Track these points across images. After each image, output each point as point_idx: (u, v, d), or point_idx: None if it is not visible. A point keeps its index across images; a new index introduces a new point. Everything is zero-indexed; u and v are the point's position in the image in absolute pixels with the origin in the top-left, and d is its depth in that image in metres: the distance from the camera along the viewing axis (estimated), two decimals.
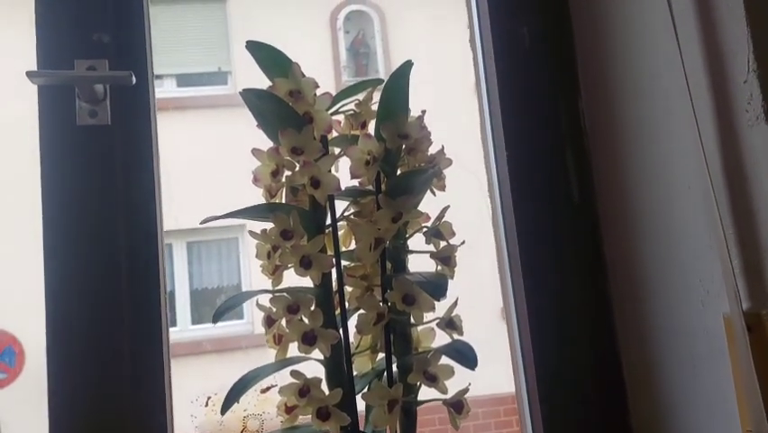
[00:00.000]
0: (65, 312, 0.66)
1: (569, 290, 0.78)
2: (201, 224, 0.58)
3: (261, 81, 0.65)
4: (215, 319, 0.55)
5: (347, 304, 0.64)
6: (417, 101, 0.66)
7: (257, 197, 0.63)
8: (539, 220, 0.78)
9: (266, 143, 0.64)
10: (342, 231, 0.67)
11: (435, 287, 0.55)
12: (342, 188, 0.62)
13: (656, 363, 0.75)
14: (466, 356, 0.55)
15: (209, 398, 0.72)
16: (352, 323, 0.62)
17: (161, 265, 0.70)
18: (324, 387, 0.59)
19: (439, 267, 0.61)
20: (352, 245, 0.67)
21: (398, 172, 0.63)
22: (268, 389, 0.67)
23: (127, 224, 0.68)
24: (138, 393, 0.67)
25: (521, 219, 0.77)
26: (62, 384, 0.66)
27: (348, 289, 0.65)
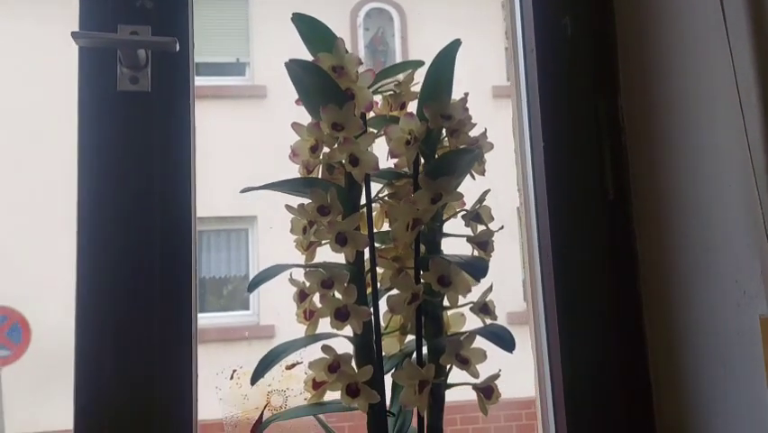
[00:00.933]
0: (95, 285, 0.66)
1: (600, 289, 0.77)
2: (241, 192, 0.58)
3: (279, 73, 0.64)
4: (251, 289, 0.55)
5: (379, 285, 0.63)
6: None
7: (290, 200, 0.63)
8: (573, 216, 0.77)
9: (280, 138, 0.64)
10: (375, 213, 0.66)
11: (475, 268, 0.54)
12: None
13: (685, 365, 0.74)
14: (503, 338, 0.54)
15: (234, 371, 0.72)
16: (382, 304, 0.62)
17: (194, 237, 0.70)
18: (354, 366, 0.58)
19: (475, 252, 0.61)
20: (385, 227, 0.66)
21: (437, 155, 0.62)
22: (293, 366, 0.67)
23: (162, 198, 0.68)
24: (165, 377, 0.67)
25: (554, 215, 0.77)
26: (90, 364, 0.66)
27: (379, 270, 0.64)
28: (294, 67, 0.58)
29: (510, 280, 0.84)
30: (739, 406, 0.67)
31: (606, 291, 0.76)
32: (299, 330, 0.61)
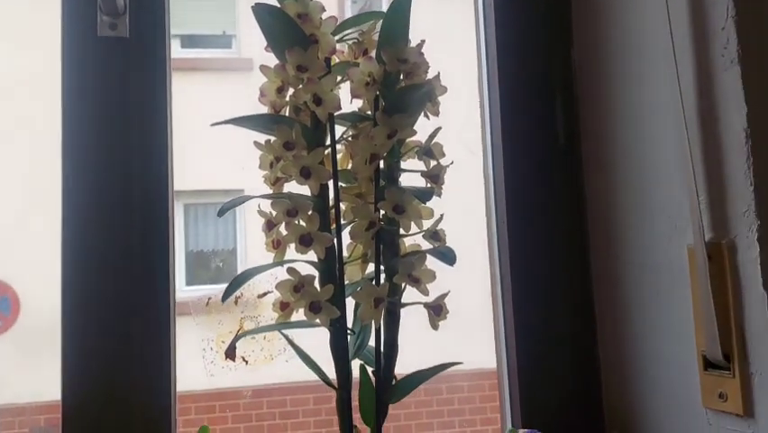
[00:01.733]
0: (79, 256, 0.72)
1: (551, 229, 0.83)
2: (211, 125, 0.63)
3: (263, 45, 0.68)
4: (221, 213, 0.60)
5: (342, 219, 0.69)
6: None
7: (256, 161, 0.67)
8: (526, 159, 0.83)
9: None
10: (341, 154, 0.72)
11: (422, 193, 0.60)
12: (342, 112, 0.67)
13: (625, 296, 0.80)
14: (446, 255, 0.60)
15: (209, 299, 0.77)
16: (346, 237, 0.68)
17: (171, 193, 0.75)
18: (318, 286, 0.64)
19: (429, 185, 0.66)
20: (349, 168, 0.72)
21: None
22: (264, 294, 0.73)
23: (142, 145, 0.74)
24: (145, 347, 0.72)
25: (509, 158, 0.83)
26: (75, 334, 0.71)
27: (342, 206, 0.70)
28: (261, 11, 0.63)
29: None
30: (671, 329, 0.74)
31: (556, 231, 0.83)
32: (258, 303, 0.67)
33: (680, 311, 0.72)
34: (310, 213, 0.64)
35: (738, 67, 0.65)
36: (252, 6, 0.62)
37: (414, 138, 0.68)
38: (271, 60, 0.68)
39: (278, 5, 0.66)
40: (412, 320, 0.67)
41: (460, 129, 0.89)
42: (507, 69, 0.83)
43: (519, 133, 0.83)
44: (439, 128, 0.66)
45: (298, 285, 0.63)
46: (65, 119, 0.73)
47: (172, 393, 0.71)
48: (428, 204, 0.65)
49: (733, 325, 0.66)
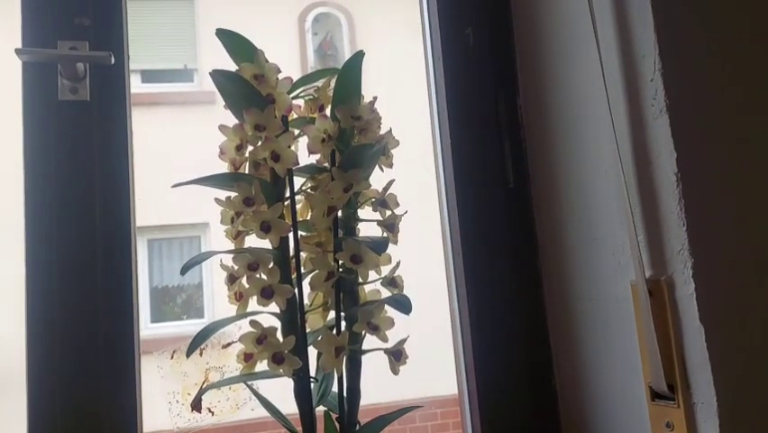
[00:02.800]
0: (43, 290, 0.73)
1: (504, 268, 0.87)
2: (172, 187, 0.65)
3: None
4: (183, 272, 0.62)
5: (302, 269, 0.72)
6: (379, 94, 0.74)
7: (222, 192, 0.70)
8: (477, 203, 0.87)
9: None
10: (300, 205, 0.74)
11: (377, 244, 0.63)
12: (301, 165, 0.70)
13: (577, 330, 0.84)
14: (402, 304, 0.63)
15: (174, 351, 0.79)
16: (306, 286, 0.70)
17: (133, 244, 0.77)
18: (280, 337, 0.66)
19: (384, 233, 0.70)
20: (309, 217, 0.74)
21: None
22: (229, 344, 0.74)
23: (104, 202, 0.75)
24: (111, 387, 0.73)
25: (461, 201, 0.86)
26: (39, 376, 0.72)
27: (303, 255, 0.72)
28: (218, 76, 0.66)
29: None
30: (621, 360, 0.78)
31: (509, 266, 0.86)
32: (223, 354, 0.68)
33: (628, 343, 0.76)
34: (271, 266, 0.66)
35: (667, 115, 0.70)
36: (210, 72, 0.65)
37: (369, 189, 0.72)
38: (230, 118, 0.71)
39: (235, 68, 0.69)
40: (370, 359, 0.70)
41: (423, 155, 0.93)
42: (457, 116, 0.88)
43: (470, 175, 0.87)
44: (392, 180, 0.69)
45: (261, 337, 0.65)
46: (27, 175, 0.74)
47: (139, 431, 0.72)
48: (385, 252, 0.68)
49: (675, 357, 0.70)
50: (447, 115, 0.87)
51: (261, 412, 0.78)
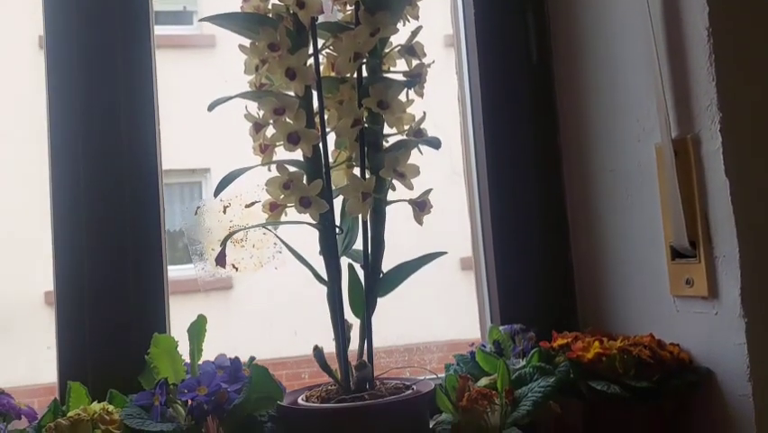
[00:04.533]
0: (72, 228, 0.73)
1: (524, 142, 0.86)
2: (200, 20, 0.64)
3: None
4: (217, 193, 0.62)
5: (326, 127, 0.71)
6: None
7: (222, 139, 0.68)
8: (500, 78, 0.86)
9: (230, 88, 0.69)
10: (323, 65, 0.73)
11: (408, 82, 0.62)
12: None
13: (597, 200, 0.84)
14: (431, 142, 0.63)
15: (198, 207, 0.79)
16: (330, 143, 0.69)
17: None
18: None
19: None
20: (332, 73, 0.73)
21: None
22: (252, 204, 0.74)
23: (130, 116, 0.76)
24: (141, 329, 0.72)
25: (484, 77, 0.85)
26: (69, 319, 0.72)
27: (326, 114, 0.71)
28: None
29: (461, 228, 0.92)
30: (641, 227, 0.79)
31: (530, 144, 0.86)
32: (256, 280, 0.67)
33: (648, 208, 0.76)
34: (297, 110, 0.65)
35: None
36: None
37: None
38: (234, 40, 0.68)
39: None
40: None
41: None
42: None
43: (493, 51, 0.86)
44: (420, 27, 0.68)
45: (287, 182, 0.65)
46: (49, 89, 0.74)
47: None
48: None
49: (698, 213, 0.70)
50: None
51: (283, 271, 0.79)
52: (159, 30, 0.80)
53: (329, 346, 0.66)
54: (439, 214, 0.67)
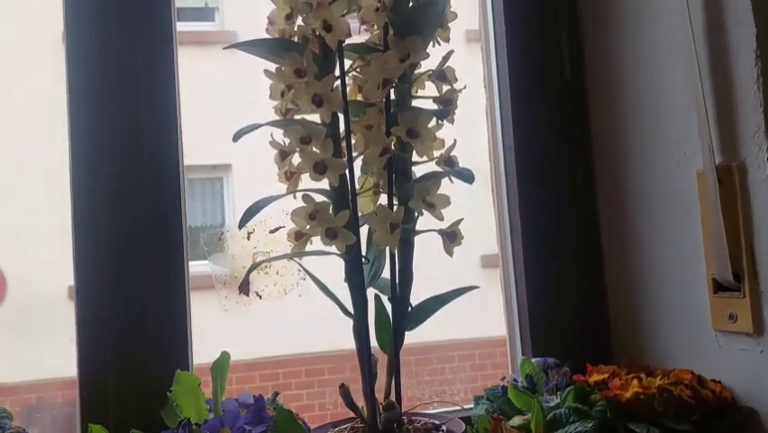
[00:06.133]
0: (92, 226, 0.72)
1: (558, 163, 0.83)
2: (224, 48, 0.62)
3: (250, 18, 0.67)
4: (242, 225, 0.60)
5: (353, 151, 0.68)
6: None
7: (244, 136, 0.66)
8: (532, 92, 0.82)
9: (251, 84, 0.67)
10: (349, 87, 0.71)
11: (439, 111, 0.59)
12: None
13: (633, 226, 0.81)
14: (463, 174, 0.60)
15: (221, 234, 0.77)
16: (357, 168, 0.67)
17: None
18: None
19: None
20: (359, 97, 0.71)
21: None
22: (276, 229, 0.72)
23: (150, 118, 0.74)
24: (161, 323, 0.72)
25: (515, 90, 0.82)
26: (89, 311, 0.71)
27: (353, 139, 0.69)
28: None
29: (485, 226, 0.90)
30: (680, 256, 0.75)
31: (561, 162, 0.83)
32: (270, 239, 0.66)
33: (689, 237, 0.73)
34: (324, 139, 0.63)
35: None
36: None
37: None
38: (255, 36, 0.67)
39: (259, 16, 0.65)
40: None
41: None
42: (513, 11, 0.83)
43: (525, 68, 0.83)
44: (452, 51, 0.65)
45: (314, 212, 0.63)
46: (70, 82, 0.72)
47: (190, 365, 0.71)
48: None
49: (743, 245, 0.66)
50: (503, 8, 0.82)
51: (307, 299, 0.77)
52: (180, 26, 0.79)
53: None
54: (462, 212, 0.65)
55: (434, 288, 0.70)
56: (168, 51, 0.76)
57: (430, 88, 0.69)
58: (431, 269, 0.75)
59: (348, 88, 0.70)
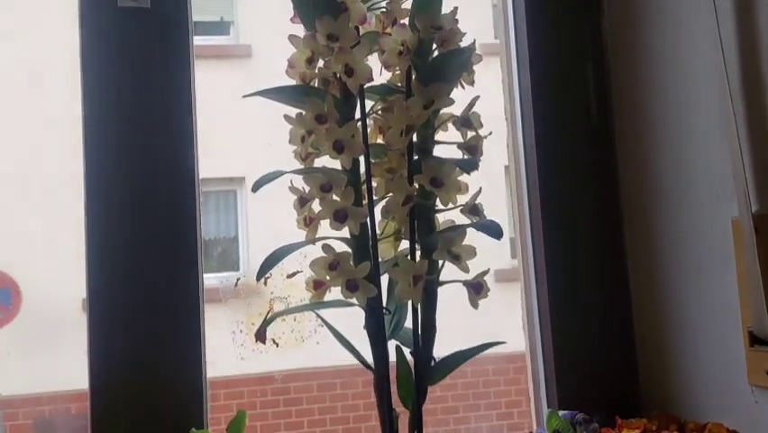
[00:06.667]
0: (104, 231, 0.71)
1: (583, 205, 0.81)
2: (244, 97, 0.60)
3: (265, 32, 0.65)
4: (255, 189, 0.58)
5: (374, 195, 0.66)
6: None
7: (258, 148, 0.65)
8: (557, 131, 0.80)
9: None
10: (369, 128, 0.69)
11: (465, 163, 0.57)
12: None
13: (662, 272, 0.78)
14: (491, 228, 0.58)
15: (238, 279, 0.76)
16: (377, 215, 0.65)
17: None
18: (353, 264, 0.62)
19: (466, 157, 0.64)
20: (379, 141, 0.69)
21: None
22: (294, 274, 0.70)
23: (166, 126, 0.73)
24: (174, 336, 0.71)
25: (540, 130, 0.80)
26: (101, 323, 0.70)
27: (374, 183, 0.67)
28: None
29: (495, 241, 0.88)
30: (714, 305, 0.72)
31: (587, 204, 0.80)
32: (288, 284, 0.65)
33: (724, 287, 0.70)
34: (344, 187, 0.61)
35: None
36: None
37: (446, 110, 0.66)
38: (270, 50, 0.65)
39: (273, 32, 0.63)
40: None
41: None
42: (537, 41, 0.81)
43: (550, 105, 0.80)
44: (477, 96, 0.63)
45: (334, 263, 0.61)
46: (85, 96, 0.71)
47: (203, 379, 0.69)
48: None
49: None
50: (527, 38, 0.80)
51: (325, 347, 0.75)
52: (196, 40, 0.78)
53: None
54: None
55: (447, 305, 0.67)
56: (184, 65, 0.75)
57: (453, 131, 0.67)
58: (443, 288, 0.72)
59: (369, 129, 0.69)
